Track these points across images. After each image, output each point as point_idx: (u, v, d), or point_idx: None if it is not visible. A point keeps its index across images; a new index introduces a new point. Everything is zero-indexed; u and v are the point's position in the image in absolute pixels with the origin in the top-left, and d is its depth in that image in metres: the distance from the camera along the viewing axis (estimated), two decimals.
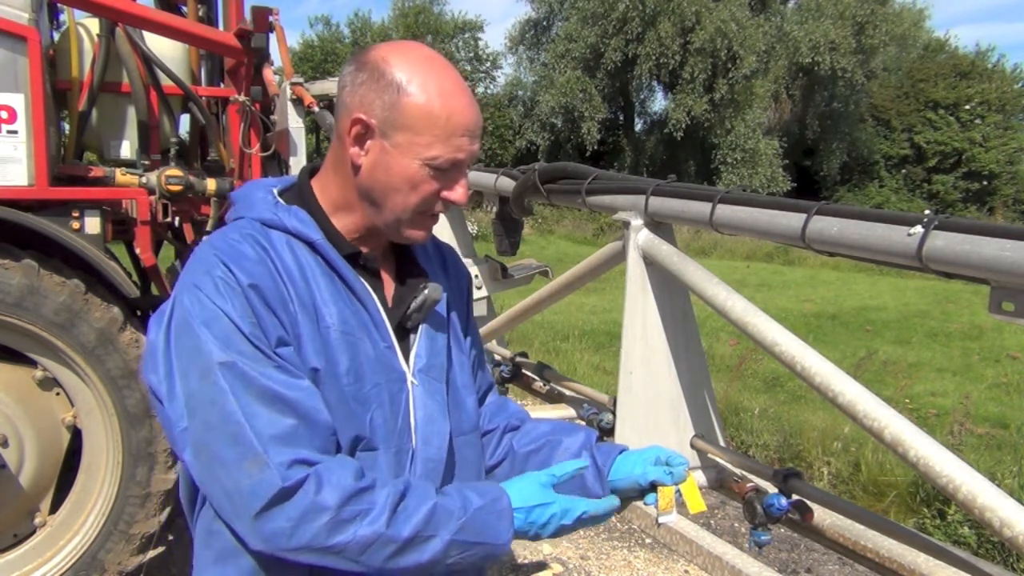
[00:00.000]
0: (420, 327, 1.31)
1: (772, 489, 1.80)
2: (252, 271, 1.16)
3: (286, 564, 1.13)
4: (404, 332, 1.29)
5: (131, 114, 3.73)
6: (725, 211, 1.92)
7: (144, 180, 3.44)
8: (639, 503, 1.39)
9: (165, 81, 3.70)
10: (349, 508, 1.09)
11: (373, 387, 1.22)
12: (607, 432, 2.35)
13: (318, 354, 1.18)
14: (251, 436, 1.08)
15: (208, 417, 1.10)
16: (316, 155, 4.22)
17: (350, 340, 1.21)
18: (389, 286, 1.33)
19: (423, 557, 1.12)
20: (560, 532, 1.25)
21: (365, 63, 1.22)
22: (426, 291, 1.29)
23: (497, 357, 3.40)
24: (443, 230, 3.50)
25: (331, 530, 1.08)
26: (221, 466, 1.09)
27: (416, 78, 1.19)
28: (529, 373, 3.19)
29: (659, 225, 2.18)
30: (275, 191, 1.30)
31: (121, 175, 3.43)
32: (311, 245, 1.23)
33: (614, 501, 1.30)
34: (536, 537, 1.24)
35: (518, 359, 3.24)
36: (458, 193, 1.24)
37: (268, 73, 3.70)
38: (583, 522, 1.26)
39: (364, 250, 1.29)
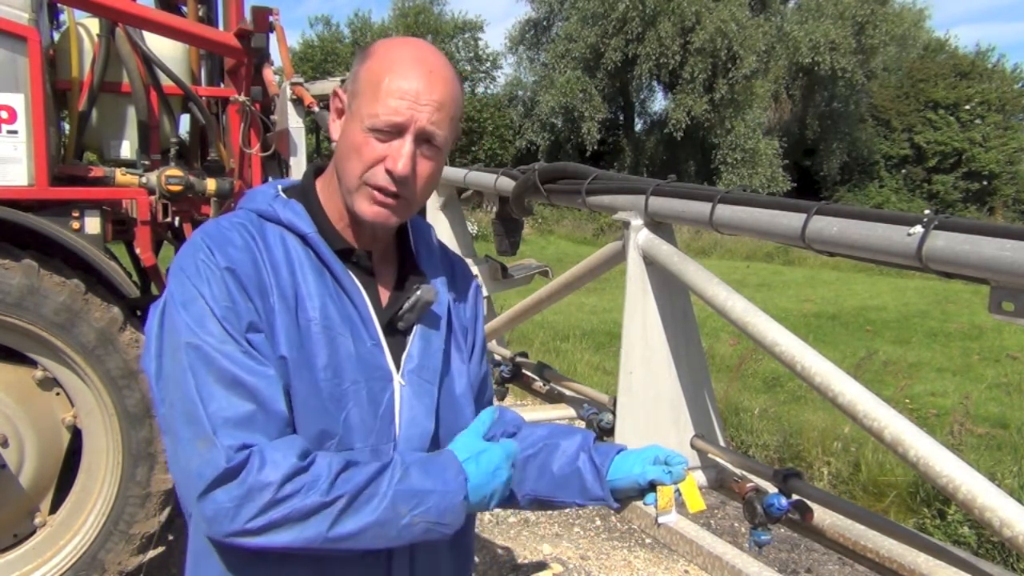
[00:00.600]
0: (415, 328, 1.30)
1: (772, 489, 1.80)
2: (233, 256, 1.18)
3: (257, 562, 1.13)
4: (397, 332, 1.29)
5: (131, 114, 3.73)
6: (725, 211, 1.92)
7: (144, 180, 3.45)
8: (639, 503, 1.39)
9: (165, 81, 3.70)
10: (291, 484, 1.08)
11: (351, 384, 1.22)
12: (607, 432, 2.35)
13: (291, 345, 1.18)
14: (203, 416, 1.09)
15: (173, 396, 1.12)
16: (316, 155, 4.22)
17: (331, 335, 1.21)
18: (386, 286, 1.32)
19: (370, 516, 1.10)
20: (506, 486, 1.24)
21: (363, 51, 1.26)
22: (419, 292, 1.28)
23: (497, 357, 3.40)
24: (443, 230, 3.50)
25: (273, 506, 1.07)
26: (179, 444, 1.11)
27: (380, 51, 1.21)
28: (529, 373, 3.18)
29: (659, 225, 2.18)
30: (280, 187, 1.32)
31: (121, 175, 3.44)
32: (303, 238, 1.24)
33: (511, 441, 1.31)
34: (492, 493, 1.21)
35: (518, 359, 3.24)
36: (397, 164, 1.19)
37: (268, 73, 3.71)
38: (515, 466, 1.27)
39: (359, 248, 1.29)
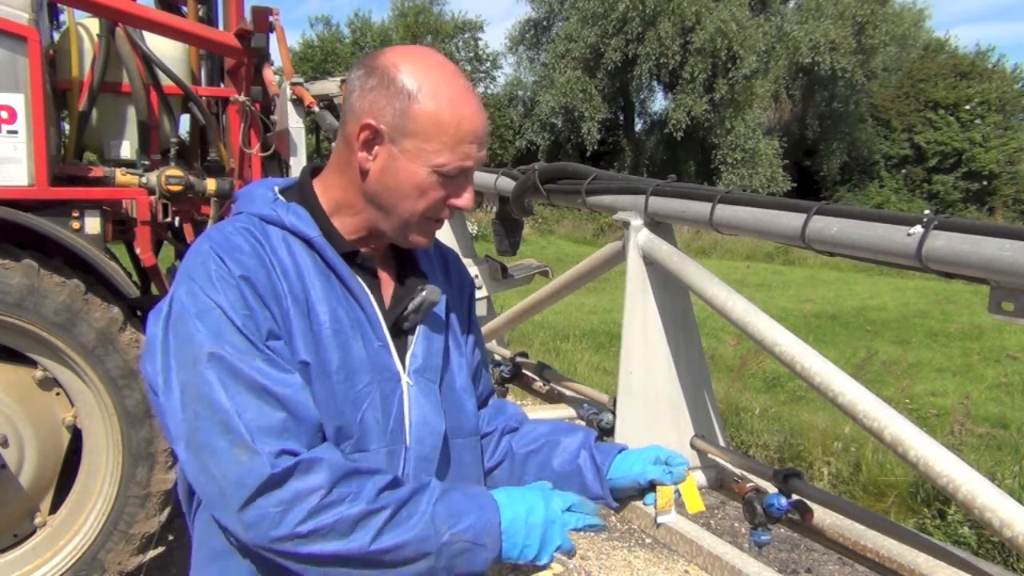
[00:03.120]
0: (418, 328, 1.31)
1: (772, 489, 1.80)
2: (246, 264, 1.17)
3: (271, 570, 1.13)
4: (400, 332, 1.30)
5: (131, 114, 3.73)
6: (725, 211, 1.92)
7: (144, 180, 3.45)
8: (638, 503, 1.39)
9: (165, 81, 3.70)
10: (337, 490, 1.08)
11: (364, 386, 1.22)
12: (607, 432, 2.35)
13: (308, 349, 1.19)
14: (240, 425, 1.08)
15: (199, 408, 1.10)
16: (316, 155, 4.22)
17: (341, 339, 1.22)
18: (388, 287, 1.33)
19: (411, 532, 1.10)
20: (546, 529, 1.18)
21: (375, 68, 1.22)
22: (424, 292, 1.29)
23: (497, 357, 3.40)
24: (443, 230, 3.50)
25: (321, 511, 1.07)
26: (211, 455, 1.09)
27: (427, 85, 1.19)
28: (529, 373, 3.18)
29: (659, 225, 2.18)
30: (276, 189, 1.31)
31: (121, 175, 3.44)
32: (308, 242, 1.24)
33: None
34: (526, 527, 1.17)
35: (518, 359, 3.24)
36: (465, 199, 1.26)
37: (268, 73, 3.70)
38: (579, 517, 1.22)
39: (363, 250, 1.29)
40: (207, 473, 1.10)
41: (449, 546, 1.11)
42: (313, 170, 1.34)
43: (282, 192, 1.31)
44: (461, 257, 1.55)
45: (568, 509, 1.21)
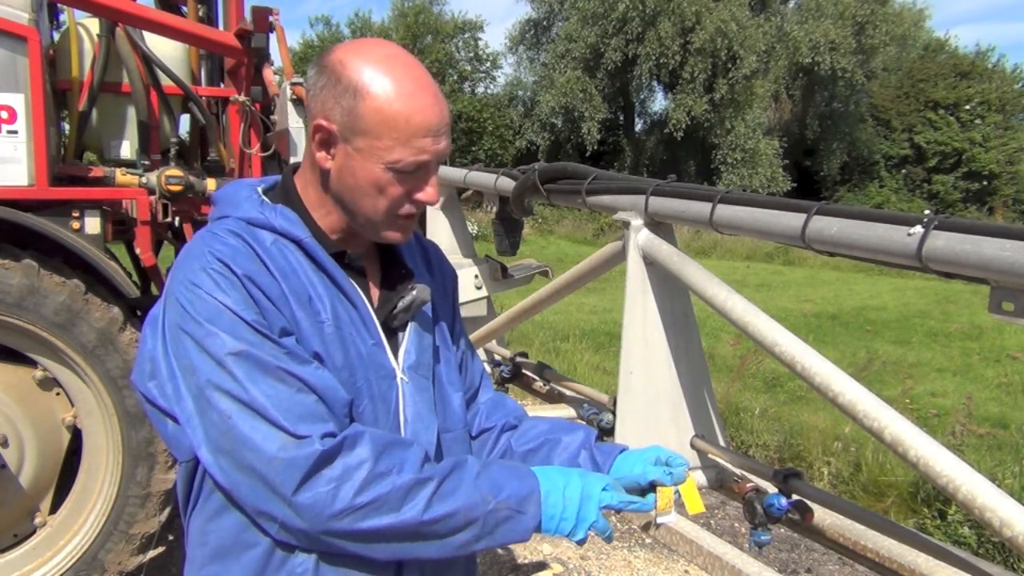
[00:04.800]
0: (408, 325, 1.32)
1: (772, 489, 1.80)
2: (246, 265, 1.17)
3: (286, 556, 1.14)
4: (390, 330, 1.30)
5: (131, 114, 3.73)
6: (725, 211, 1.91)
7: (144, 180, 3.44)
8: None
9: (165, 81, 3.70)
10: (384, 460, 1.11)
11: (364, 383, 1.23)
12: (607, 432, 2.35)
13: (318, 347, 1.20)
14: (278, 415, 1.09)
15: (228, 407, 1.10)
16: None
17: (342, 335, 1.22)
18: (375, 284, 1.33)
19: (460, 500, 1.13)
20: (582, 505, 1.21)
21: (324, 66, 1.21)
22: (415, 292, 1.30)
23: (497, 357, 3.40)
24: (443, 230, 3.50)
25: (373, 480, 1.09)
26: (251, 450, 1.08)
27: (374, 80, 1.17)
28: (529, 373, 3.18)
29: (659, 225, 2.18)
30: (259, 190, 1.30)
31: (121, 175, 3.43)
32: (298, 244, 1.23)
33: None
34: (563, 502, 1.20)
35: (518, 359, 3.24)
36: (427, 193, 1.23)
37: (268, 73, 3.71)
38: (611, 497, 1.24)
39: (348, 250, 1.29)
40: (245, 469, 1.09)
41: (494, 514, 1.15)
42: (295, 169, 1.34)
43: (265, 192, 1.30)
44: (443, 251, 1.54)
45: (603, 489, 1.24)
